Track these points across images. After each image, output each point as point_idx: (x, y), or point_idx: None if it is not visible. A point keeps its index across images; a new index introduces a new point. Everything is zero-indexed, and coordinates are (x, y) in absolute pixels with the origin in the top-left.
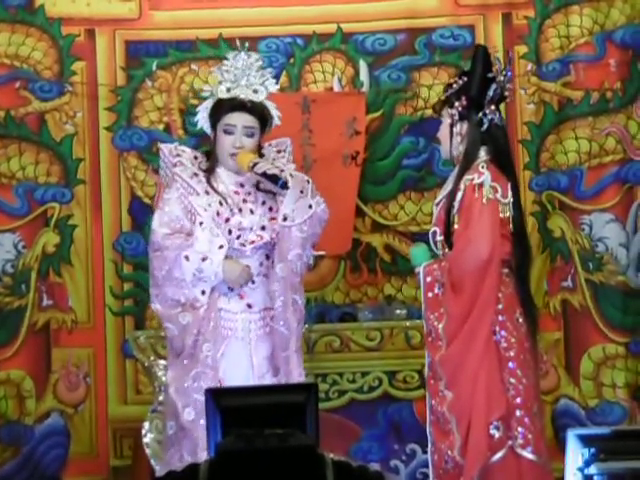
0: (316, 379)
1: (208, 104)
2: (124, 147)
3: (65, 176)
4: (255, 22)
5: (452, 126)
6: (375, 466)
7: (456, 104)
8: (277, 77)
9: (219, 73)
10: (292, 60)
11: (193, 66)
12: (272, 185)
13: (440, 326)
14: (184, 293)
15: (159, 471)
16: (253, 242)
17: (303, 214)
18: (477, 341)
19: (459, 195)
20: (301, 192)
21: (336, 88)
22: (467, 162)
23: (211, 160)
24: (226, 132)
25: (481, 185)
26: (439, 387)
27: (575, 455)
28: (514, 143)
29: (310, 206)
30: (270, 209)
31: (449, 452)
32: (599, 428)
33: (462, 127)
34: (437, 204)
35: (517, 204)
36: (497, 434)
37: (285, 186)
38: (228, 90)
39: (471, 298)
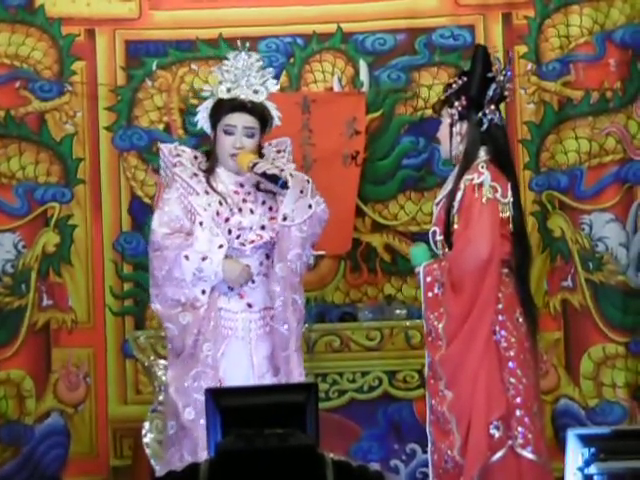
0: (316, 379)
1: (208, 104)
2: (124, 147)
3: (65, 176)
4: (255, 22)
5: (452, 126)
6: (375, 466)
7: (456, 104)
8: (277, 77)
9: (219, 73)
10: (292, 60)
11: (193, 66)
12: (272, 185)
13: (440, 326)
14: (184, 293)
15: (160, 471)
16: (253, 242)
17: (303, 214)
18: (477, 341)
19: (459, 195)
20: (301, 192)
21: (336, 88)
22: (467, 162)
23: (211, 160)
24: (226, 132)
25: (481, 185)
26: (439, 387)
27: (575, 455)
28: (514, 143)
29: (310, 206)
30: (270, 209)
31: (449, 452)
32: (599, 428)
33: (462, 127)
34: (437, 204)
35: (517, 204)
36: (497, 434)
37: (285, 186)
38: (228, 90)
39: (471, 298)
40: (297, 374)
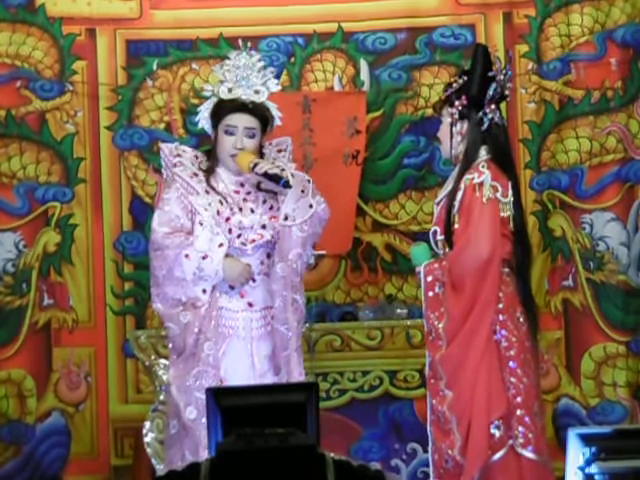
0: (317, 378)
1: (209, 104)
2: (125, 146)
3: (66, 175)
4: (256, 21)
5: (452, 125)
6: (376, 465)
7: (456, 103)
8: (278, 76)
9: (220, 73)
10: (293, 59)
11: (194, 65)
12: (274, 185)
13: (440, 325)
14: (185, 292)
15: (162, 470)
16: (254, 241)
17: (304, 214)
18: (477, 340)
19: (459, 194)
20: (302, 191)
21: (337, 87)
22: (467, 161)
23: (211, 160)
24: (227, 133)
25: (481, 184)
26: (439, 386)
27: (576, 454)
28: (515, 142)
29: (311, 205)
30: (270, 208)
31: (449, 451)
32: (600, 427)
33: (462, 126)
34: (438, 203)
35: (518, 203)
36: (498, 433)
37: (287, 185)
38: (230, 90)
39: (471, 297)
40: (297, 374)
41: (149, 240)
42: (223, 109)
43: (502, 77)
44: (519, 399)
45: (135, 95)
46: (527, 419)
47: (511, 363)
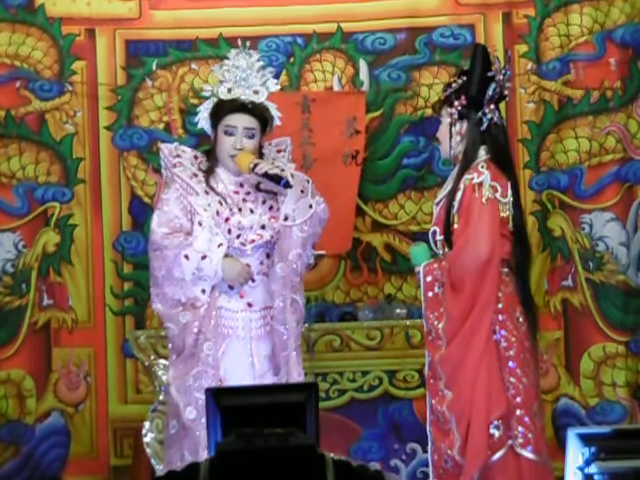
0: (316, 378)
1: (209, 104)
2: (124, 146)
3: (65, 175)
4: (255, 21)
5: (452, 125)
6: (375, 465)
7: (455, 103)
8: (277, 76)
9: (220, 73)
10: (292, 59)
11: (193, 65)
12: (273, 185)
13: (440, 325)
14: (184, 292)
15: (161, 470)
16: (253, 241)
17: (304, 214)
18: (477, 340)
19: (459, 195)
20: (302, 192)
21: (336, 87)
22: (467, 161)
23: (211, 160)
24: (227, 133)
25: (481, 184)
26: (439, 386)
27: (575, 454)
28: (514, 142)
29: (310, 206)
30: (270, 208)
31: (449, 451)
32: (599, 427)
33: (462, 126)
34: (437, 203)
35: (517, 203)
36: (497, 433)
37: (288, 185)
38: (229, 90)
39: (471, 297)
40: (296, 374)
41: (148, 240)
42: (222, 109)
43: (501, 77)
44: (518, 399)
45: (134, 95)
46: (527, 419)
47: (510, 363)
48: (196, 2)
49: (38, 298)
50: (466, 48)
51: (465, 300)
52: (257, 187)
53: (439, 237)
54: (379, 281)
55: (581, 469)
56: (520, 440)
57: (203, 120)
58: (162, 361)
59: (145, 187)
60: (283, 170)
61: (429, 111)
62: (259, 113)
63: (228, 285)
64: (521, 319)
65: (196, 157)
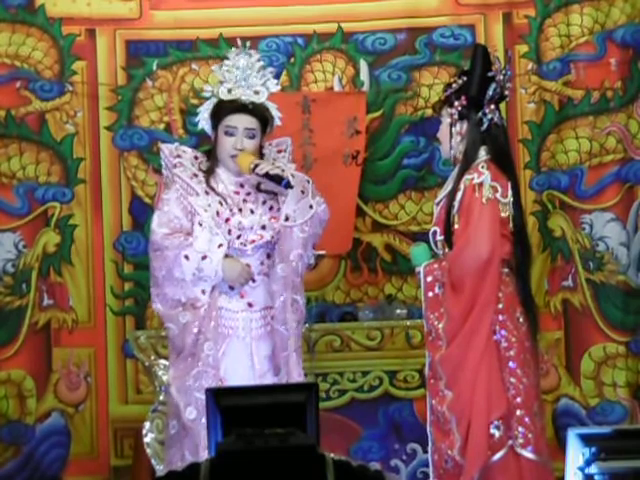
0: (317, 378)
1: (209, 105)
2: (124, 147)
3: (66, 176)
4: (255, 22)
5: (452, 125)
6: (375, 465)
7: (456, 103)
8: (277, 77)
9: (220, 73)
10: (292, 60)
11: (194, 66)
12: (274, 185)
13: (440, 326)
14: (184, 293)
15: (161, 470)
16: (254, 241)
17: (304, 214)
18: (477, 341)
19: (459, 195)
20: (302, 192)
21: (336, 88)
22: (467, 162)
23: (211, 161)
24: (227, 134)
25: (481, 185)
26: (439, 387)
27: (576, 454)
28: (514, 142)
29: (311, 206)
30: (270, 208)
31: (449, 452)
32: (600, 427)
33: (462, 126)
34: (437, 204)
35: (517, 203)
36: (497, 434)
37: (289, 185)
38: (229, 91)
39: (471, 298)
40: (296, 374)
41: (149, 240)
42: (223, 110)
43: (502, 77)
44: (519, 399)
45: (135, 95)
46: (527, 419)
47: (511, 363)
48: (196, 2)
49: (38, 298)
50: (466, 48)
51: (465, 300)
52: (257, 187)
53: (439, 237)
54: (379, 281)
55: (581, 469)
56: (520, 440)
57: (203, 121)
58: (162, 361)
59: (145, 187)
60: (284, 170)
61: (429, 111)
62: (259, 113)
63: (228, 285)
64: (521, 319)
65: (196, 157)
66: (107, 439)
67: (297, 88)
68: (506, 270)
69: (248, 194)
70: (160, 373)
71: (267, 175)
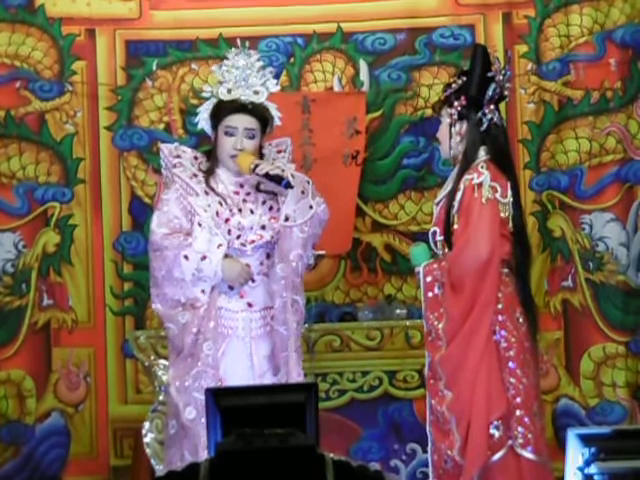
0: (316, 378)
1: (209, 105)
2: (124, 147)
3: (65, 176)
4: (255, 22)
5: (452, 126)
6: (375, 466)
7: (455, 104)
8: (277, 77)
9: (219, 73)
10: (292, 60)
11: (193, 66)
12: (275, 185)
13: (440, 326)
14: (184, 293)
15: (161, 470)
16: (253, 241)
17: (304, 214)
18: (477, 341)
19: (459, 195)
20: (302, 192)
21: (336, 88)
22: (467, 162)
23: (211, 161)
24: (227, 134)
25: (480, 185)
26: (439, 387)
27: (575, 455)
28: (514, 143)
29: (311, 206)
30: (270, 208)
31: (449, 452)
32: (599, 428)
33: (461, 127)
34: (437, 204)
35: (517, 204)
36: (497, 434)
37: (289, 185)
38: (229, 91)
39: (471, 298)
40: (295, 374)
41: (148, 241)
42: (223, 110)
43: (501, 77)
44: (518, 399)
45: (135, 95)
46: (526, 419)
47: (510, 363)
48: (196, 2)
49: (38, 298)
50: (466, 48)
51: (465, 300)
52: (257, 188)
53: (439, 237)
54: (379, 281)
55: (581, 469)
56: (520, 440)
57: (203, 121)
58: (162, 361)
59: (145, 187)
60: (284, 171)
61: (429, 111)
62: (259, 113)
63: (228, 285)
64: (521, 319)
65: (196, 157)
66: (107, 439)
67: (297, 88)
68: (506, 270)
69: (248, 194)
70: (160, 373)
71: (267, 175)
